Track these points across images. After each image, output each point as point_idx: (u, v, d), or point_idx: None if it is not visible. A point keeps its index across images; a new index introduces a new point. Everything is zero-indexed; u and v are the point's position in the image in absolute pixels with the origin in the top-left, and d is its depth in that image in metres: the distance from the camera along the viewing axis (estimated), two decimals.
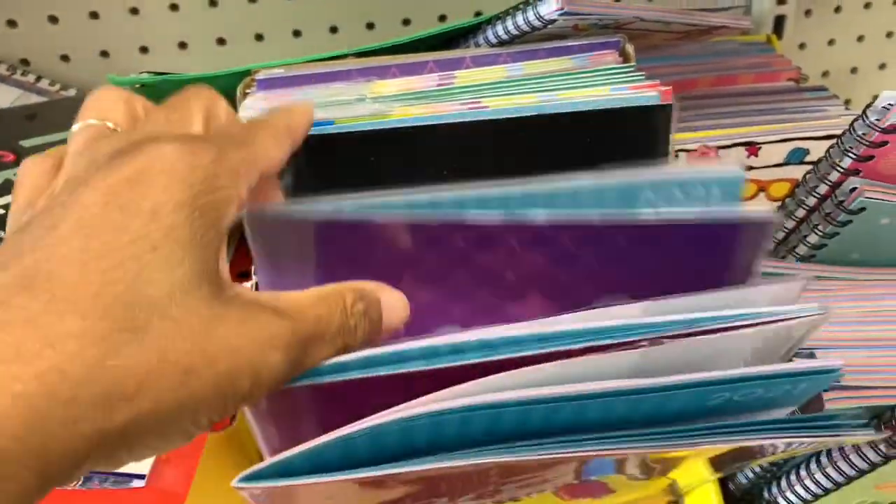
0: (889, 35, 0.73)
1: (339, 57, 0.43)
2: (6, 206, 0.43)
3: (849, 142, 0.35)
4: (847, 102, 0.75)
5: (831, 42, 0.73)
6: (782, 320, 0.23)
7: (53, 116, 0.54)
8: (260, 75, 0.41)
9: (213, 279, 0.22)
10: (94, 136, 0.26)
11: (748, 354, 0.24)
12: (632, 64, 0.41)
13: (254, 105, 0.40)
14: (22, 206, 0.25)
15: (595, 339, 0.22)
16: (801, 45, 0.72)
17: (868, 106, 0.34)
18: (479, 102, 0.38)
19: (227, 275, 0.24)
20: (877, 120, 0.34)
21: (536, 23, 0.41)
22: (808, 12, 0.70)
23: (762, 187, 0.50)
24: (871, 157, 0.35)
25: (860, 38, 0.73)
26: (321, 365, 0.24)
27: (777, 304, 0.24)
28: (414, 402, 0.22)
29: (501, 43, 0.44)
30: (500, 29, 0.44)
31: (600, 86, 0.40)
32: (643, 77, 0.40)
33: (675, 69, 0.60)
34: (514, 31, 0.43)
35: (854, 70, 0.75)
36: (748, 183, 0.51)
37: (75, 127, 0.27)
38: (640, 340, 0.22)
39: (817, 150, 0.49)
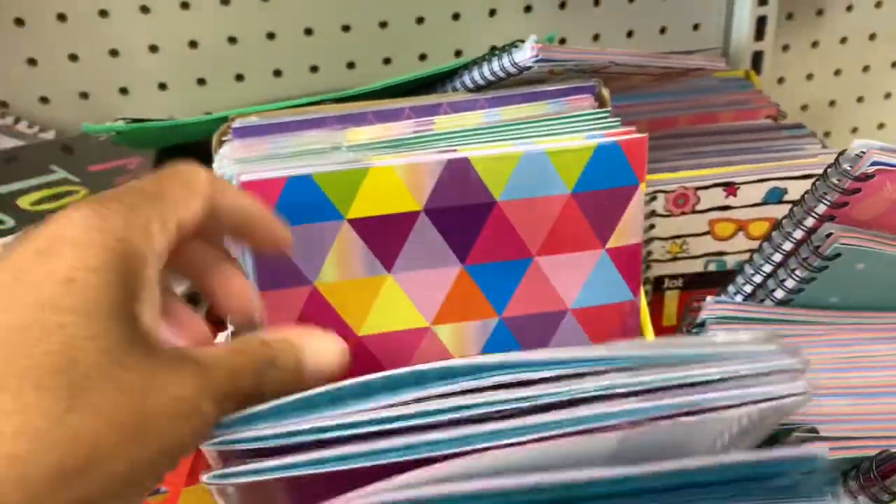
0: (865, 69, 0.74)
1: (316, 102, 0.43)
2: None
3: (823, 188, 0.35)
4: (826, 135, 0.76)
5: (809, 76, 0.73)
6: (772, 399, 0.23)
7: (31, 161, 0.54)
8: (236, 123, 0.41)
9: (140, 338, 0.22)
10: None
11: (733, 429, 0.24)
12: (607, 109, 0.41)
13: (230, 154, 0.39)
14: None
15: (574, 424, 0.22)
16: (780, 80, 0.73)
17: (841, 154, 0.34)
18: (455, 151, 0.38)
19: (154, 330, 0.23)
20: (850, 167, 0.34)
21: (512, 69, 0.42)
22: (785, 47, 0.71)
23: (741, 227, 0.51)
24: (845, 204, 0.35)
25: (837, 73, 0.74)
26: (234, 415, 0.24)
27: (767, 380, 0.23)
28: (387, 484, 0.21)
29: (479, 87, 0.44)
30: (476, 74, 0.44)
31: (576, 132, 0.40)
32: (619, 123, 0.40)
33: (655, 107, 0.60)
34: (491, 77, 0.43)
35: (832, 103, 0.75)
36: (726, 222, 0.51)
37: None
38: (619, 424, 0.22)
39: (795, 189, 0.49)
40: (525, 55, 0.40)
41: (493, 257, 0.39)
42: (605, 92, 0.43)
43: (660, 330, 0.52)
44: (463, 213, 0.38)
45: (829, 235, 0.36)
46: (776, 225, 0.38)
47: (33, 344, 0.20)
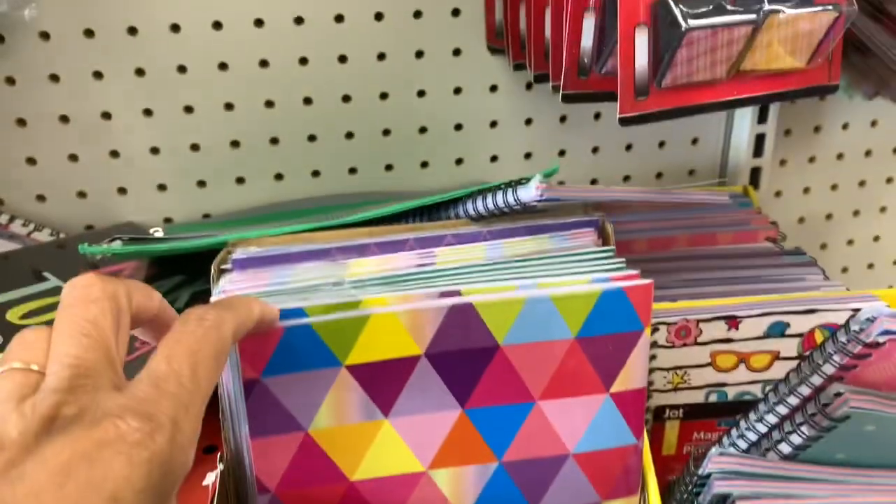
0: (861, 184, 0.75)
1: (319, 229, 0.43)
2: None
3: (832, 349, 0.35)
4: (823, 247, 0.77)
5: (806, 190, 0.74)
6: None
7: (23, 266, 0.53)
8: (236, 254, 0.40)
9: None
10: (21, 384, 0.25)
11: None
12: (611, 248, 0.41)
13: (229, 287, 0.39)
14: None
15: None
16: (777, 193, 0.73)
17: (851, 317, 0.34)
18: (458, 294, 0.37)
19: None
20: (859, 331, 0.33)
21: (516, 206, 0.41)
22: (783, 162, 0.72)
23: (742, 359, 0.50)
24: (854, 366, 0.35)
25: (834, 187, 0.74)
26: None
27: None
28: None
29: (481, 217, 0.44)
30: (480, 204, 0.44)
31: (580, 274, 0.39)
32: (623, 264, 0.40)
33: (653, 224, 0.60)
34: (494, 210, 0.43)
35: (829, 216, 0.76)
36: (728, 354, 0.50)
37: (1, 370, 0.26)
38: None
39: (798, 323, 0.49)
40: (530, 194, 0.40)
41: (495, 401, 0.38)
42: (609, 227, 0.43)
43: (659, 459, 0.51)
44: (465, 357, 0.37)
45: (838, 395, 0.35)
46: (784, 378, 0.38)
47: None
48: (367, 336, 0.36)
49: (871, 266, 0.79)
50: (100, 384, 0.24)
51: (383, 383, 0.37)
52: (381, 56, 0.60)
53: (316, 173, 0.64)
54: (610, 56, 0.39)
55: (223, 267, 0.41)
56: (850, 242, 0.77)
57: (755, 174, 0.70)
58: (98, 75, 0.57)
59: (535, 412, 0.39)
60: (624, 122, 0.39)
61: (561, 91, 0.41)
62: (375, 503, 0.38)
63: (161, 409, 0.24)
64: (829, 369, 0.35)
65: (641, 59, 0.36)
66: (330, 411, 0.36)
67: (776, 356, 0.50)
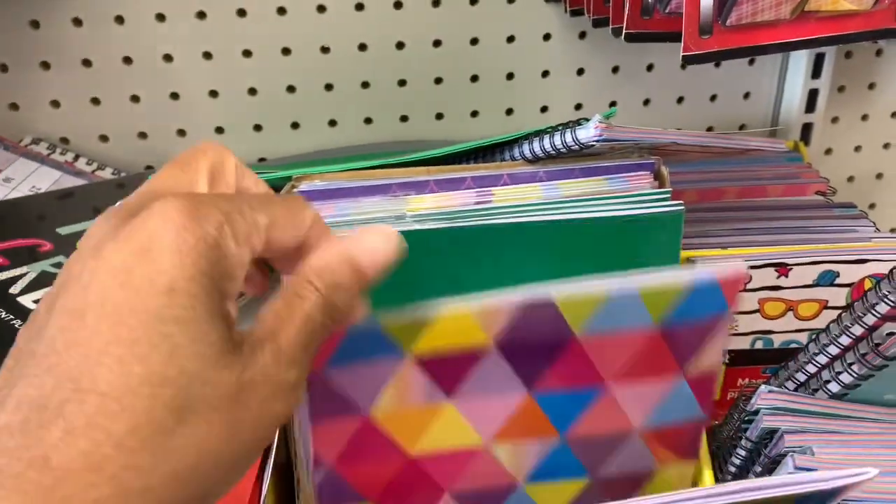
0: None
1: (379, 166, 0.44)
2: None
3: (886, 287, 0.35)
4: (871, 206, 0.76)
5: (857, 148, 0.73)
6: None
7: (90, 200, 0.55)
8: (302, 186, 0.42)
9: (229, 336, 0.23)
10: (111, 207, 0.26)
11: None
12: (667, 190, 0.42)
13: None
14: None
15: None
16: (828, 151, 0.73)
17: None
18: (543, 292, 0.34)
19: (235, 320, 0.24)
20: None
21: (574, 146, 0.42)
22: (834, 119, 0.71)
23: (790, 307, 0.50)
24: None
25: (886, 146, 0.74)
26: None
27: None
28: None
29: (537, 158, 0.45)
30: (536, 146, 0.44)
31: (635, 210, 0.40)
32: (682, 209, 0.40)
33: (702, 175, 0.60)
34: (551, 150, 0.43)
35: (879, 176, 0.75)
36: (776, 302, 0.51)
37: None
38: None
39: (847, 273, 0.49)
40: (589, 134, 0.41)
41: (563, 385, 0.36)
42: (665, 170, 0.44)
43: None
44: (536, 347, 0.35)
45: (890, 334, 0.36)
46: (836, 318, 0.38)
47: (144, 357, 0.21)
48: (436, 330, 0.34)
49: None
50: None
51: (449, 371, 0.35)
52: (436, 3, 0.61)
53: (368, 120, 0.65)
54: None
55: None
56: None
57: (806, 130, 0.69)
58: (161, 17, 0.59)
59: (604, 395, 0.37)
60: (687, 60, 0.39)
61: (624, 31, 0.41)
62: (434, 475, 0.38)
63: (215, 202, 0.24)
64: (882, 308, 0.35)
65: None
66: (392, 397, 0.35)
67: (824, 305, 0.50)
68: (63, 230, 0.50)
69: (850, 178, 0.75)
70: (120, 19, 0.58)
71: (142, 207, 0.24)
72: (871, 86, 0.71)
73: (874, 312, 0.36)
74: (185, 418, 0.21)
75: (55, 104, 0.61)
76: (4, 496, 0.19)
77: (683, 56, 0.39)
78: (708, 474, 0.40)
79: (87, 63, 0.60)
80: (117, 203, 0.26)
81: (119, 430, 0.20)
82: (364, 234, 0.27)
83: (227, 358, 0.23)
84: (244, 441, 0.23)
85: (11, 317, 0.41)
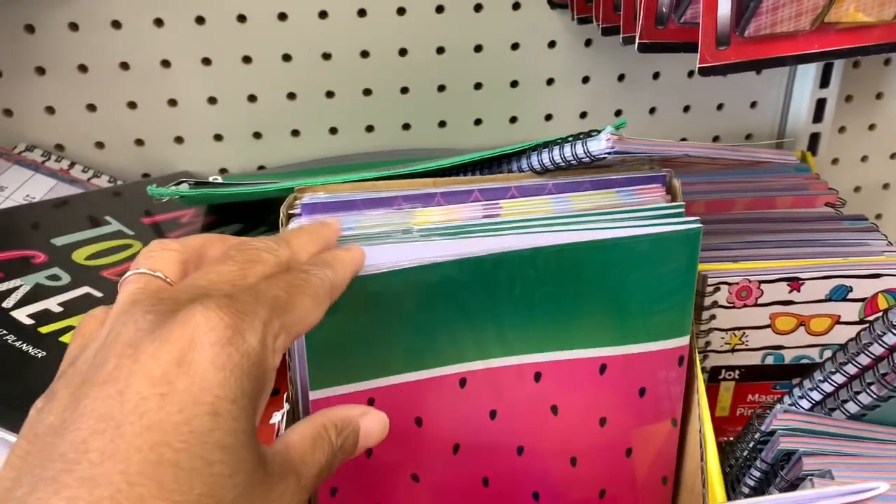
0: None
1: (384, 178, 0.43)
2: (37, 315, 0.42)
3: None
4: (878, 216, 0.75)
5: (864, 158, 0.73)
6: None
7: (85, 209, 0.54)
8: (305, 199, 0.40)
9: (260, 458, 0.23)
10: (143, 287, 0.26)
11: None
12: (681, 204, 0.41)
13: None
14: (66, 361, 0.25)
15: None
16: (835, 161, 0.72)
17: None
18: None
19: (263, 451, 0.24)
20: None
21: (585, 158, 0.41)
22: (842, 129, 0.71)
23: (802, 322, 0.49)
24: None
25: (893, 156, 0.73)
26: None
27: None
28: None
29: (545, 170, 0.44)
30: (545, 157, 0.43)
31: (648, 227, 0.39)
32: (699, 225, 0.39)
33: (711, 186, 0.59)
34: (560, 162, 0.42)
35: (886, 186, 0.74)
36: (788, 317, 0.50)
37: (128, 274, 0.27)
38: None
39: (860, 287, 0.48)
40: (601, 146, 0.40)
41: None
42: (677, 182, 0.43)
43: (713, 421, 0.51)
44: None
45: None
46: (854, 336, 0.37)
47: (187, 484, 0.20)
48: None
49: None
50: (202, 295, 0.24)
51: None
52: (440, 9, 0.60)
53: (370, 128, 0.64)
54: (690, 4, 0.38)
55: (291, 212, 0.41)
56: None
57: (814, 140, 0.69)
58: (159, 22, 0.57)
59: None
60: (703, 71, 0.38)
61: (637, 41, 0.40)
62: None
63: (255, 309, 0.24)
64: None
65: (725, 5, 0.35)
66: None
67: (836, 320, 0.49)
68: (58, 241, 0.49)
69: (857, 189, 0.74)
70: (117, 24, 0.57)
71: (179, 303, 0.23)
72: (879, 95, 0.70)
73: (894, 332, 0.35)
74: None
75: (50, 110, 0.60)
76: None
77: (700, 68, 0.38)
78: (721, 493, 0.39)
79: (82, 68, 0.58)
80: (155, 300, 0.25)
81: None
82: (369, 412, 0.29)
83: (262, 485, 0.23)
84: None
85: (5, 332, 0.40)
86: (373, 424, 0.29)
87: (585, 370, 0.39)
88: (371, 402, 0.37)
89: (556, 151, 0.43)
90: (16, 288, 0.44)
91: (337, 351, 0.36)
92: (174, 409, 0.21)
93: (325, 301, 0.28)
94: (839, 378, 0.38)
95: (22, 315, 0.42)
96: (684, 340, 0.39)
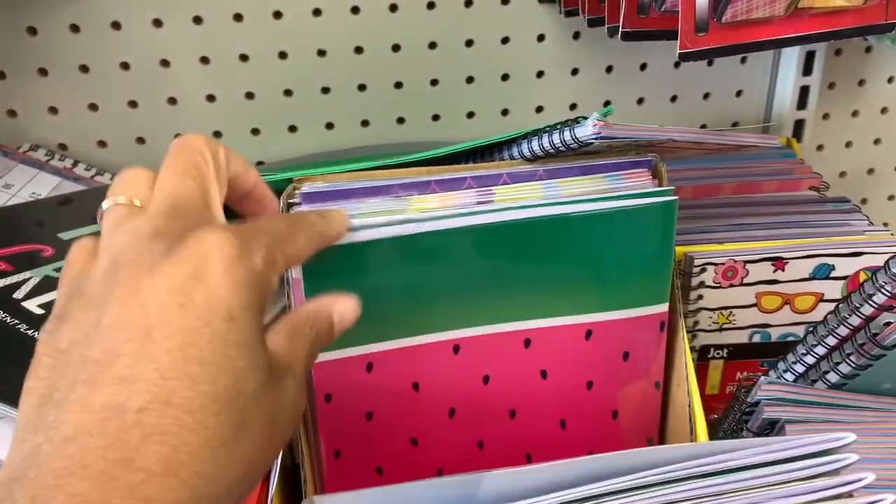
0: None
1: (380, 167, 0.44)
2: (47, 305, 0.43)
3: (883, 278, 0.36)
4: (863, 201, 0.77)
5: (849, 144, 0.74)
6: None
7: (89, 206, 0.55)
8: (304, 188, 0.42)
9: (268, 356, 0.26)
10: (126, 214, 0.28)
11: None
12: (670, 189, 0.42)
13: None
14: (67, 287, 0.27)
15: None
16: (819, 147, 0.74)
17: None
18: None
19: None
20: None
21: (573, 144, 0.43)
22: (825, 116, 0.72)
23: (787, 300, 0.51)
24: None
25: (877, 141, 0.75)
26: None
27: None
28: None
29: (535, 157, 0.45)
30: (535, 144, 0.45)
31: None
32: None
33: (698, 173, 0.61)
34: (550, 149, 0.44)
35: (871, 171, 0.76)
36: (773, 296, 0.51)
37: (105, 204, 0.29)
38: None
39: (843, 265, 0.50)
40: (587, 131, 0.41)
41: None
42: (662, 167, 0.44)
43: (703, 399, 0.52)
44: None
45: (887, 324, 0.36)
46: (833, 309, 0.39)
47: (213, 377, 0.23)
48: None
49: None
50: (200, 217, 0.27)
51: None
52: (431, 5, 0.61)
53: (365, 123, 0.65)
54: None
55: (290, 201, 0.42)
56: (891, 198, 0.78)
57: (798, 127, 0.70)
58: (157, 23, 0.59)
59: None
60: (683, 57, 0.40)
61: (620, 29, 0.42)
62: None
63: (257, 236, 0.26)
64: (879, 299, 0.36)
65: None
66: None
67: (820, 298, 0.51)
68: (64, 235, 0.50)
69: (842, 174, 0.76)
70: (117, 25, 0.58)
71: (184, 230, 0.25)
72: (861, 82, 0.72)
73: (871, 303, 0.37)
74: (241, 434, 0.23)
75: (53, 110, 0.61)
76: (90, 488, 0.20)
77: (680, 53, 0.39)
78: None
79: (84, 69, 0.60)
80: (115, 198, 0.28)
81: (193, 441, 0.22)
82: (341, 298, 0.32)
83: (270, 381, 0.25)
84: (273, 455, 0.26)
85: (17, 321, 0.42)
86: (343, 307, 0.31)
87: (572, 336, 0.41)
88: (370, 368, 0.39)
89: (545, 139, 0.44)
90: (26, 280, 0.45)
91: None
92: (194, 316, 0.23)
93: (314, 244, 0.31)
94: (820, 350, 0.40)
95: (33, 305, 0.43)
96: (664, 307, 0.42)
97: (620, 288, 0.41)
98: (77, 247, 0.28)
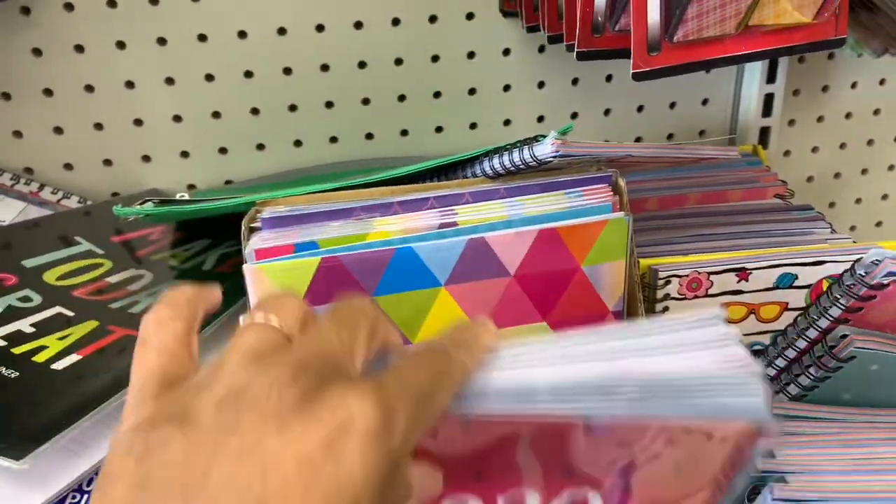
0: (869, 143, 0.76)
1: (343, 188, 0.44)
2: (10, 337, 0.43)
3: (838, 292, 0.36)
4: (831, 205, 0.78)
5: (815, 149, 0.75)
6: None
7: (56, 230, 0.55)
8: (265, 213, 0.42)
9: None
10: (271, 341, 0.25)
11: None
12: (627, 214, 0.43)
13: (259, 244, 0.40)
14: (156, 380, 0.25)
15: None
16: (787, 153, 0.74)
17: (857, 261, 0.35)
18: None
19: None
20: (865, 274, 0.35)
21: (532, 162, 0.43)
22: (791, 122, 0.73)
23: (752, 310, 0.51)
24: (860, 309, 0.36)
25: (842, 146, 0.76)
26: None
27: None
28: None
29: (497, 175, 0.45)
30: (496, 162, 0.45)
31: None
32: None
33: (663, 183, 0.61)
34: (510, 167, 0.44)
35: (837, 175, 0.77)
36: (738, 306, 0.52)
37: (244, 320, 0.26)
38: None
39: (805, 274, 0.50)
40: (545, 150, 0.42)
41: None
42: (622, 182, 0.45)
43: None
44: None
45: (843, 337, 0.37)
46: (792, 322, 0.39)
47: None
48: None
49: (879, 224, 0.80)
50: (341, 370, 0.24)
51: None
52: (396, 21, 0.61)
53: (333, 139, 0.65)
54: (623, 13, 0.40)
55: (253, 225, 0.42)
56: (858, 201, 0.78)
57: (764, 134, 0.71)
58: (121, 45, 0.59)
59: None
60: (637, 77, 0.40)
61: (575, 49, 0.42)
62: None
63: (400, 398, 0.23)
64: (835, 312, 0.36)
65: (654, 14, 0.38)
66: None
67: (785, 307, 0.51)
68: (28, 262, 0.50)
69: (810, 179, 0.76)
70: (80, 48, 0.58)
71: (322, 381, 0.22)
72: (825, 88, 0.72)
73: (827, 316, 0.37)
74: None
75: (17, 134, 0.61)
76: None
77: (633, 73, 0.40)
78: None
79: (48, 92, 0.59)
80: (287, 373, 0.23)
81: None
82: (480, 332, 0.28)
83: None
84: None
85: None
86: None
87: None
88: None
89: (506, 157, 0.45)
90: None
91: None
92: (318, 496, 0.21)
93: (454, 394, 0.26)
94: (781, 362, 0.41)
95: None
96: None
97: None
98: (154, 323, 0.26)
